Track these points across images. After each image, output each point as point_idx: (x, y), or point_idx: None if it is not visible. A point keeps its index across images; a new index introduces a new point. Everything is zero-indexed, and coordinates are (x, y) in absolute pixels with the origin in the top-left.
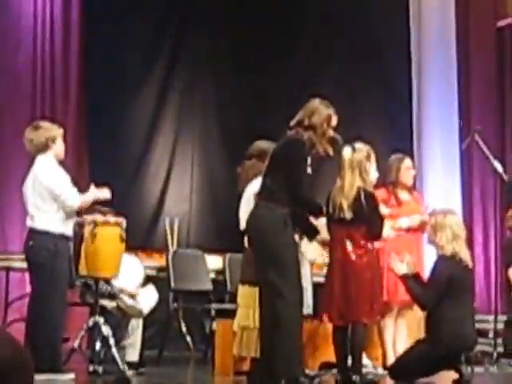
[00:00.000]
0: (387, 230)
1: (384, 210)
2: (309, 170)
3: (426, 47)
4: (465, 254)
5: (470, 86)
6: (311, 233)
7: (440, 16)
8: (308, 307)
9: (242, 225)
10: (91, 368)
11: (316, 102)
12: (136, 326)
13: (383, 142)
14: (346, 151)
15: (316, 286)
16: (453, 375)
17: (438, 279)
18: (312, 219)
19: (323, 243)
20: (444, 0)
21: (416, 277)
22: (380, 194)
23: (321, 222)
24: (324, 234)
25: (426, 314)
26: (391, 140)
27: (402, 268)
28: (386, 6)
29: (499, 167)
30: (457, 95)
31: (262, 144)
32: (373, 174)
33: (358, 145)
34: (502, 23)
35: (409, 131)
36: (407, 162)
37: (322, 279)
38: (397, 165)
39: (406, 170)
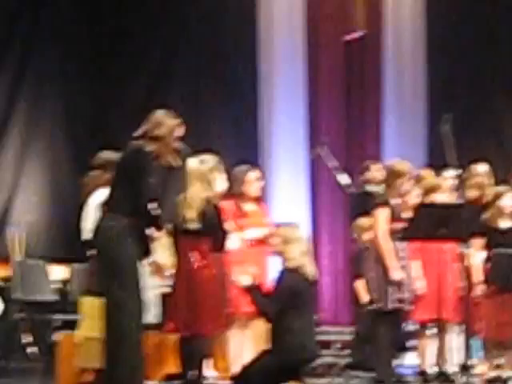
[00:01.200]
0: (232, 242)
1: (229, 223)
2: (153, 181)
3: (275, 60)
4: (309, 267)
5: (319, 98)
6: (143, 249)
7: (289, 28)
8: (153, 316)
9: (85, 235)
10: None
11: (161, 114)
12: None
13: (231, 153)
14: (192, 162)
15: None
16: None
17: (281, 291)
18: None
19: None
20: (293, 12)
21: (260, 288)
22: (227, 205)
23: None
24: None
25: (270, 325)
26: (239, 151)
27: (245, 279)
28: (234, 19)
29: (344, 179)
30: (305, 107)
31: (106, 155)
32: (220, 185)
33: (205, 156)
34: (350, 37)
35: (256, 142)
36: (253, 173)
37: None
38: (242, 176)
39: (252, 181)
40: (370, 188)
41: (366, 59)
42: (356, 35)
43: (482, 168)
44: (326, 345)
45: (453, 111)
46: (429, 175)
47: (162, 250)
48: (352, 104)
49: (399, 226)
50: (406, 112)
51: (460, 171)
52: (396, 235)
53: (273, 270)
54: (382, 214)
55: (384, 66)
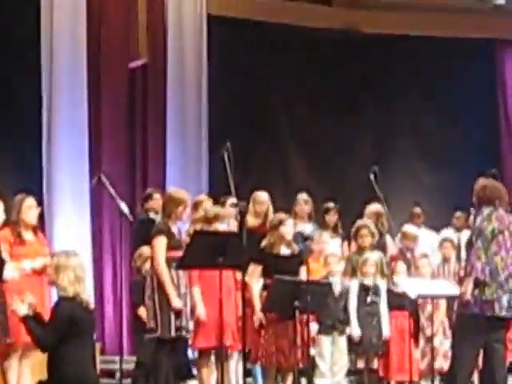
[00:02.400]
0: (11, 272)
1: (5, 255)
2: None
3: (57, 86)
4: (86, 296)
5: (101, 126)
6: None
7: (71, 54)
8: None
9: None
10: None
11: None
12: None
13: (13, 183)
14: None
15: None
16: None
17: (58, 320)
18: None
19: None
20: (75, 38)
21: (37, 318)
22: (4, 234)
23: None
24: None
25: (47, 354)
26: (21, 180)
27: (22, 308)
28: (18, 45)
29: (125, 208)
30: (87, 135)
31: None
32: None
33: None
34: (133, 64)
35: (39, 170)
36: (29, 201)
37: None
38: (19, 204)
39: (28, 208)
40: (153, 216)
41: (149, 86)
42: (139, 63)
43: (263, 196)
44: (110, 374)
45: (234, 139)
46: (207, 202)
47: None
48: (135, 132)
49: (178, 254)
50: (188, 140)
51: (235, 200)
52: (175, 263)
53: (52, 299)
54: (161, 243)
55: (167, 93)
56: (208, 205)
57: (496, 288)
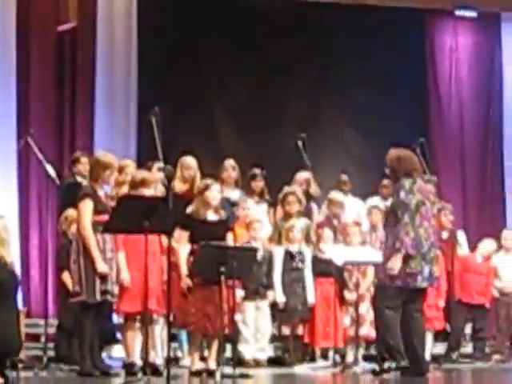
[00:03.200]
0: None
1: None
2: None
3: None
4: (9, 259)
5: (30, 89)
6: None
7: (0, 16)
8: None
9: None
10: None
11: None
12: None
13: None
14: None
15: None
16: None
17: None
18: None
19: None
20: (5, 1)
21: None
22: None
23: None
24: None
25: None
26: None
27: None
28: None
29: (52, 171)
30: (15, 97)
31: None
32: None
33: None
34: (62, 28)
35: None
36: None
37: None
38: None
39: None
40: (80, 180)
41: (78, 51)
42: (68, 26)
43: (190, 161)
44: (36, 337)
45: (163, 104)
46: (131, 166)
47: None
48: (64, 96)
49: (104, 218)
50: (117, 105)
51: (162, 164)
52: (101, 227)
53: None
54: (87, 206)
55: (96, 58)
56: (132, 169)
57: (420, 260)
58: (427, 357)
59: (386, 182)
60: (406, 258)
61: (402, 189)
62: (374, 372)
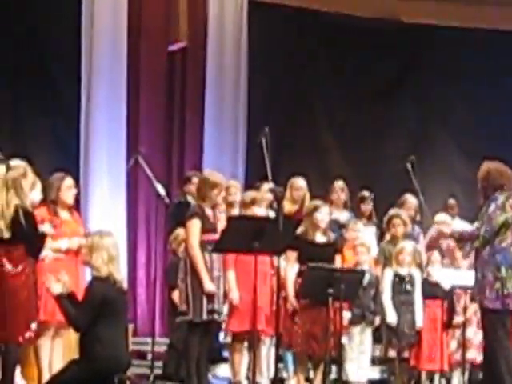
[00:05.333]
0: (46, 250)
1: (48, 228)
2: None
3: (97, 69)
4: (119, 276)
5: (140, 108)
6: None
7: (111, 38)
8: None
9: None
10: None
11: None
12: None
13: (50, 164)
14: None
15: None
16: None
17: (91, 300)
18: None
19: None
20: (116, 21)
21: (71, 297)
22: (40, 212)
23: None
24: None
25: (80, 334)
26: (57, 159)
27: (56, 287)
28: (57, 29)
29: (161, 190)
30: (125, 117)
31: None
32: (35, 194)
33: (14, 162)
34: (173, 47)
35: (76, 151)
36: (68, 180)
37: None
38: (57, 183)
39: (67, 188)
40: (190, 199)
41: (188, 70)
42: (179, 46)
43: (300, 182)
44: (142, 355)
45: (272, 125)
46: (235, 187)
47: None
48: (173, 115)
49: (212, 237)
50: (226, 124)
51: (272, 185)
52: (209, 246)
53: (85, 280)
54: (195, 226)
55: (206, 77)
56: (236, 189)
57: None
58: None
59: (452, 201)
60: (503, 279)
61: (494, 203)
62: None
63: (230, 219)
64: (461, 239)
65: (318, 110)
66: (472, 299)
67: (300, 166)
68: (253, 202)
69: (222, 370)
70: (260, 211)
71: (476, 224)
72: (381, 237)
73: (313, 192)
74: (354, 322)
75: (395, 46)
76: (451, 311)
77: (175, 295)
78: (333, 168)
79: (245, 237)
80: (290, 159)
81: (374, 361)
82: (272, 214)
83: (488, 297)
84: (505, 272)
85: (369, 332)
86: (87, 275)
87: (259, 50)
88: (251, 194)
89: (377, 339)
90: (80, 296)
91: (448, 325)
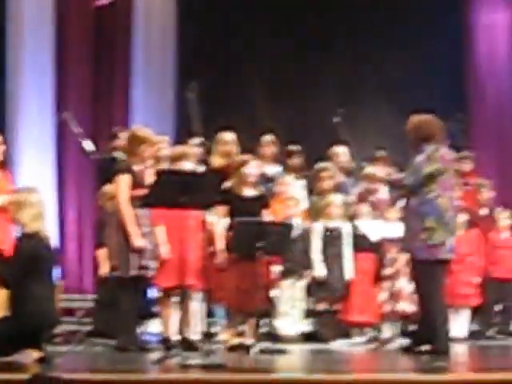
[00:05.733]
0: None
1: None
2: None
3: (22, 23)
4: (45, 233)
5: (67, 63)
6: None
7: None
8: None
9: None
10: None
11: None
12: None
13: None
14: None
15: None
16: (36, 354)
17: (20, 257)
18: None
19: None
20: None
21: (0, 254)
22: None
23: None
24: None
25: (9, 291)
26: None
27: None
28: None
29: (89, 146)
30: (52, 72)
31: None
32: None
33: None
34: (100, 2)
35: (2, 108)
36: None
37: None
38: None
39: None
40: (118, 155)
41: (115, 26)
42: (106, 1)
43: (228, 136)
44: (70, 312)
45: (200, 80)
46: (164, 141)
47: None
48: (101, 71)
49: (141, 192)
50: (154, 80)
51: (202, 139)
52: (138, 202)
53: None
54: (124, 181)
55: (133, 33)
56: (166, 144)
57: (442, 231)
58: (464, 334)
59: (382, 153)
60: (429, 230)
61: (423, 153)
62: (405, 349)
63: (157, 174)
64: (390, 184)
65: (247, 63)
66: (401, 250)
67: (229, 120)
68: (181, 156)
69: (153, 326)
70: (188, 165)
71: (404, 174)
72: (311, 190)
73: (242, 146)
74: (284, 275)
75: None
76: (380, 264)
77: (101, 251)
78: (262, 121)
79: (172, 191)
80: (219, 113)
81: (306, 314)
82: (201, 169)
83: (415, 247)
84: (430, 223)
85: (300, 286)
86: (16, 232)
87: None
88: (180, 148)
89: (309, 292)
90: (9, 253)
91: (377, 277)
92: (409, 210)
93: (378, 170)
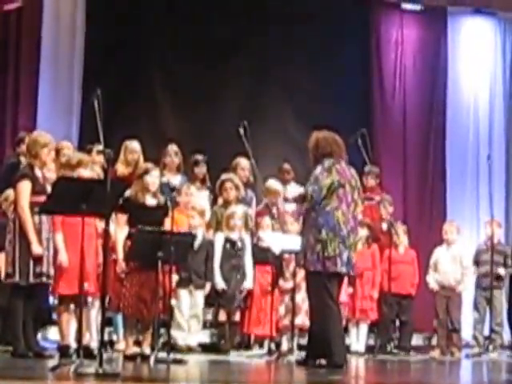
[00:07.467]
0: None
1: None
2: None
3: None
4: None
5: None
6: None
7: None
8: None
9: None
10: None
11: None
12: None
13: None
14: None
15: None
16: None
17: None
18: None
19: None
20: None
21: None
22: None
23: None
24: None
25: None
26: None
27: None
28: None
29: None
30: None
31: None
32: None
33: None
34: (8, 7)
35: None
36: None
37: None
38: None
39: None
40: (24, 160)
41: (23, 30)
42: (14, 6)
43: (133, 144)
44: None
45: (106, 86)
46: (68, 148)
47: None
48: (8, 74)
49: (42, 198)
50: (61, 85)
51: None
52: (38, 208)
53: None
54: (24, 187)
55: (41, 38)
56: (68, 151)
57: (338, 244)
58: (362, 348)
59: (286, 166)
60: (323, 242)
61: (320, 166)
62: (300, 362)
63: (57, 180)
64: (295, 200)
65: (153, 72)
66: (297, 264)
67: (135, 129)
68: (79, 163)
69: (52, 333)
70: (86, 173)
71: (305, 187)
72: (214, 201)
73: (147, 154)
74: (181, 284)
75: (235, 9)
76: (278, 275)
77: (1, 257)
78: (167, 131)
79: (72, 198)
80: (124, 121)
81: (206, 324)
82: (103, 176)
83: (309, 259)
84: (325, 235)
85: (199, 295)
86: None
87: (97, 4)
88: (78, 155)
89: (209, 303)
90: None
91: (272, 287)
92: (308, 223)
93: (279, 185)
